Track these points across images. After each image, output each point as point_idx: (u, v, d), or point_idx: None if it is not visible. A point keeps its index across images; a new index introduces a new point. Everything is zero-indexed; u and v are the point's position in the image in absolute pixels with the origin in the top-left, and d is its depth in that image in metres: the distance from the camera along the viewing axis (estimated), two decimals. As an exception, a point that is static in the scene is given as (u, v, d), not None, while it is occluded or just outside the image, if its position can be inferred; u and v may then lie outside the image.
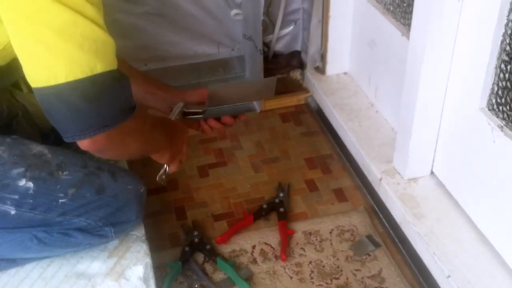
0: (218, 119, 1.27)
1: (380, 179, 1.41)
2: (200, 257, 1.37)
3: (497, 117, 1.11)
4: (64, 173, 1.03)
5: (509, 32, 1.04)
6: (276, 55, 1.98)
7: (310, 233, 1.43)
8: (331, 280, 1.31)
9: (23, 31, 0.83)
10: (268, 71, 1.87)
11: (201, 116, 1.25)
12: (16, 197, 0.99)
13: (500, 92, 1.09)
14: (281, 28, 1.92)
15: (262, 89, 1.36)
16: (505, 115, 1.09)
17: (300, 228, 1.44)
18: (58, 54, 0.83)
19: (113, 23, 1.63)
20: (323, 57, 1.82)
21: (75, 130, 0.89)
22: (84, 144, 0.91)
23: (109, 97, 0.89)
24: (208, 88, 1.25)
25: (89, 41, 0.84)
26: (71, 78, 0.84)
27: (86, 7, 0.83)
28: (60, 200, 1.02)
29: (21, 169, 1.00)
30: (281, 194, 1.52)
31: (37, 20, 0.81)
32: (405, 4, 1.42)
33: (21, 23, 0.82)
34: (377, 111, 1.65)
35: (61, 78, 0.84)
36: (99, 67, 0.85)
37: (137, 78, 1.26)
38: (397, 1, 1.46)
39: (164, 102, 1.27)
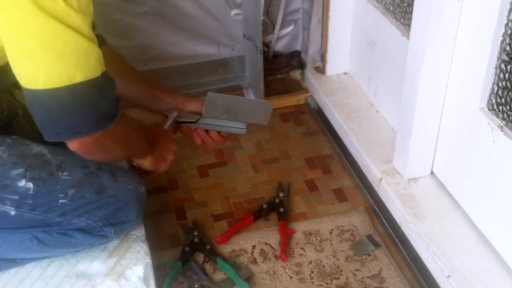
0: (206, 131, 1.29)
1: (380, 179, 1.41)
2: (200, 257, 1.37)
3: (497, 117, 1.11)
4: (64, 173, 1.03)
5: (509, 32, 1.04)
6: (276, 55, 1.98)
7: (310, 233, 1.43)
8: (331, 280, 1.31)
9: (9, 36, 0.84)
10: (268, 71, 1.87)
11: (193, 123, 1.27)
12: (16, 197, 0.99)
13: (500, 92, 1.09)
14: (281, 28, 1.91)
15: (258, 112, 1.33)
16: (505, 115, 1.09)
17: (300, 228, 1.44)
18: (38, 62, 0.85)
19: (113, 23, 1.64)
20: (323, 57, 1.82)
21: (51, 132, 0.92)
22: (72, 145, 0.94)
23: (85, 105, 0.90)
24: (207, 94, 1.24)
25: (70, 51, 0.85)
26: (49, 86, 0.85)
27: (70, 16, 0.84)
28: (60, 201, 1.02)
29: (21, 170, 1.00)
30: (281, 194, 1.52)
31: (21, 28, 0.83)
32: (405, 4, 1.42)
33: (8, 28, 0.84)
34: (377, 111, 1.65)
35: (40, 85, 0.86)
36: (79, 77, 0.87)
37: (140, 81, 1.26)
38: (397, 1, 1.46)
39: (167, 106, 1.28)
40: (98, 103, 0.91)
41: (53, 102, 0.87)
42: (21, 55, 0.85)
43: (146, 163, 1.18)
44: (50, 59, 0.84)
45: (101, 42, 1.06)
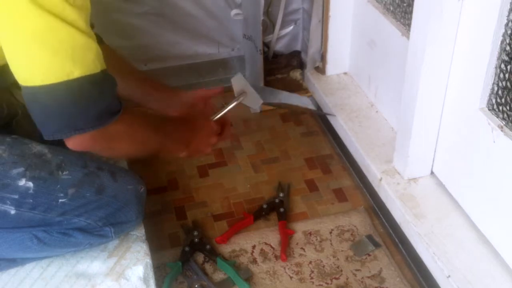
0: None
1: (380, 179, 1.41)
2: (200, 257, 1.37)
3: (497, 117, 1.11)
4: (64, 173, 1.03)
5: (509, 32, 1.04)
6: (276, 55, 1.98)
7: (310, 233, 1.43)
8: (331, 280, 1.31)
9: (5, 33, 0.84)
10: (268, 71, 1.87)
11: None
12: (16, 196, 0.99)
13: (500, 92, 1.09)
14: (281, 28, 1.92)
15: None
16: (505, 115, 1.09)
17: (300, 228, 1.44)
18: (34, 58, 0.84)
19: (113, 23, 1.64)
20: (323, 57, 1.82)
21: (49, 130, 0.91)
22: (69, 143, 0.92)
23: (84, 102, 0.89)
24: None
25: (66, 46, 0.84)
26: (46, 82, 0.85)
27: (66, 11, 0.83)
28: (60, 200, 1.02)
29: (21, 169, 1.00)
30: (281, 194, 1.52)
31: (16, 24, 0.82)
32: (405, 4, 1.41)
33: (4, 25, 0.83)
34: (377, 111, 1.65)
35: (37, 81, 0.85)
36: (76, 73, 0.86)
37: (137, 80, 1.26)
38: (397, 1, 1.45)
39: (161, 103, 1.27)
40: (97, 100, 0.90)
41: (51, 98, 0.86)
42: (17, 51, 0.84)
43: (178, 153, 1.18)
44: (46, 54, 0.84)
45: (98, 41, 1.06)
